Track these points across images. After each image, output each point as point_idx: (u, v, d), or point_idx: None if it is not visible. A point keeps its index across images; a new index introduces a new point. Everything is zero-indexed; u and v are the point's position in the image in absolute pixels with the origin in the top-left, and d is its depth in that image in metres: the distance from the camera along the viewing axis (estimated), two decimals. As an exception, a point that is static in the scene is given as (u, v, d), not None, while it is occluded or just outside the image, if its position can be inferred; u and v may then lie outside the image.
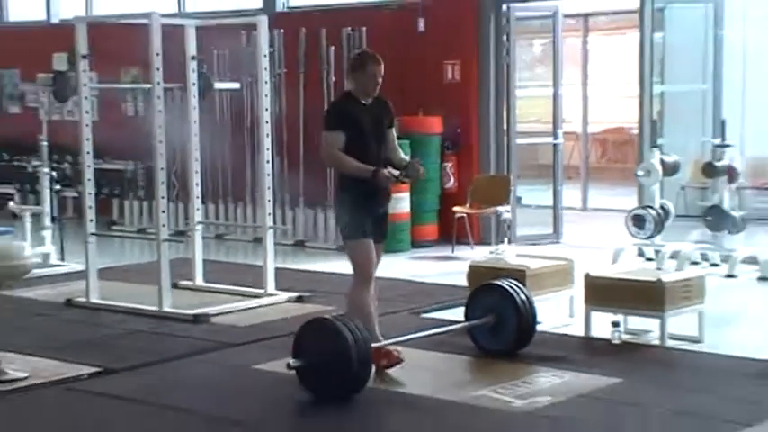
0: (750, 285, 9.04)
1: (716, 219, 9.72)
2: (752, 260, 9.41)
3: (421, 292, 8.76)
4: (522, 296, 6.68)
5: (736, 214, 9.80)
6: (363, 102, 6.37)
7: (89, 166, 8.53)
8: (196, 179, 8.89)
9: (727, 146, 9.86)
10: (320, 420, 5.65)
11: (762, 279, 9.16)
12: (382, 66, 6.34)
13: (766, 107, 12.03)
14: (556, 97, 11.50)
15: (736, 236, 9.78)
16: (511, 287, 6.72)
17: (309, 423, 5.70)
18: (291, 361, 5.87)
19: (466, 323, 6.79)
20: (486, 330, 6.69)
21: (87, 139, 8.45)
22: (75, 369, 6.57)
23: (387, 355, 6.32)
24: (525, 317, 6.63)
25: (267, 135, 8.57)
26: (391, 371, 6.30)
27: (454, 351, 6.72)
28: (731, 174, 9.90)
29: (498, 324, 6.65)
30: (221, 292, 8.63)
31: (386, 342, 6.33)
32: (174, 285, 8.39)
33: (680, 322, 7.08)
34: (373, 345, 6.08)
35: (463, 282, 7.65)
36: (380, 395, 5.98)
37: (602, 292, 7.17)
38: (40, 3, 14.80)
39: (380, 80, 6.35)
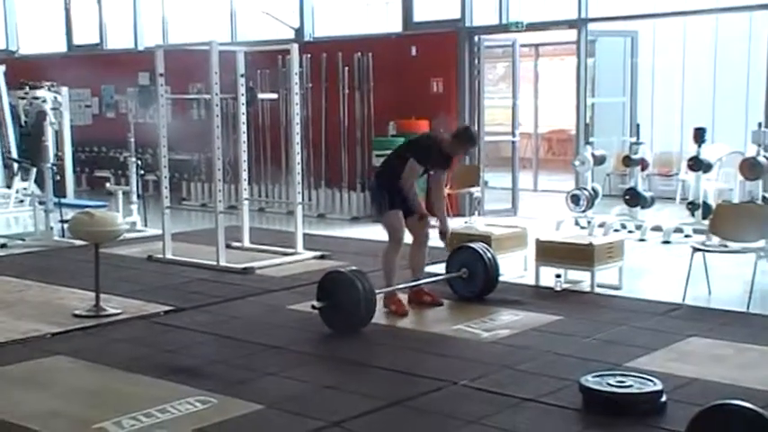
0: (656, 247, 9.00)
1: (632, 197, 9.68)
2: (658, 228, 9.37)
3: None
4: (489, 255, 6.64)
5: (646, 194, 9.77)
6: (446, 151, 6.29)
7: (165, 157, 8.47)
8: (244, 166, 8.82)
9: (641, 143, 9.84)
10: (336, 346, 5.63)
11: (665, 242, 9.11)
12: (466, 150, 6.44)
13: (669, 115, 12.01)
14: (514, 106, 11.39)
15: (646, 210, 9.74)
16: (480, 248, 6.68)
17: (328, 348, 5.66)
18: (315, 303, 5.85)
19: (446, 275, 6.75)
20: (462, 280, 6.66)
21: (163, 137, 8.39)
22: (155, 307, 6.56)
23: (398, 305, 6.26)
24: (491, 270, 6.60)
25: (297, 133, 8.50)
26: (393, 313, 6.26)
27: (438, 296, 6.65)
28: (643, 164, 9.89)
29: (471, 276, 6.62)
30: (263, 251, 8.57)
31: (390, 288, 6.29)
32: (228, 246, 8.32)
33: (605, 274, 7.07)
34: (385, 290, 6.11)
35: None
36: (382, 329, 5.95)
37: (548, 252, 7.14)
38: (130, 35, 14.70)
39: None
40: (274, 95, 10.82)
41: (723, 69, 11.67)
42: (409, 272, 6.55)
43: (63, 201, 9.82)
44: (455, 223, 9.72)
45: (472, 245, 6.74)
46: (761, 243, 6.73)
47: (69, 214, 8.59)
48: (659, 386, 4.35)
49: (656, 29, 12.03)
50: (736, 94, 11.27)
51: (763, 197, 8.64)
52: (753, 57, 10.76)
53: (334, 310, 5.77)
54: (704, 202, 9.23)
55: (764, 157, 8.66)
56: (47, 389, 4.87)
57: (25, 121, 10.59)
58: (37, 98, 10.00)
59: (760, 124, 8.88)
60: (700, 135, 9.21)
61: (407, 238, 6.44)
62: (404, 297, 6.43)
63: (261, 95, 10.22)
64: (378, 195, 6.38)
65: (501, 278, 6.73)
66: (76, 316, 6.27)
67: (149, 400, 4.54)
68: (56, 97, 10.41)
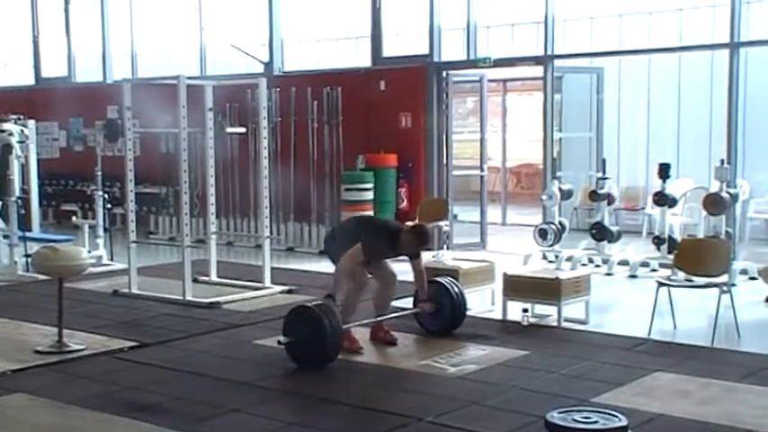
0: (623, 281, 9.06)
1: (599, 232, 9.75)
2: (624, 262, 9.44)
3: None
4: (456, 289, 6.64)
5: (613, 228, 9.84)
6: (400, 247, 6.39)
7: (132, 190, 8.40)
8: (212, 200, 8.76)
9: (607, 178, 9.92)
10: (302, 382, 5.58)
11: (631, 276, 9.18)
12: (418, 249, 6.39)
13: (635, 150, 12.17)
14: (482, 140, 11.46)
15: (613, 244, 9.81)
16: (448, 282, 6.68)
17: (294, 384, 5.60)
18: (282, 338, 5.80)
19: (414, 309, 6.72)
20: (429, 315, 6.64)
21: (130, 170, 8.32)
22: (119, 343, 6.48)
23: (351, 341, 6.18)
24: (458, 305, 6.59)
25: (265, 167, 8.51)
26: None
27: (404, 330, 6.64)
28: (610, 198, 9.97)
29: (438, 310, 6.59)
30: (230, 285, 8.51)
31: (353, 324, 6.24)
32: (195, 280, 8.25)
33: (572, 309, 7.09)
34: (344, 326, 6.00)
35: (412, 278, 7.57)
36: (348, 364, 5.90)
37: (516, 287, 7.15)
38: (98, 69, 14.66)
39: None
40: (243, 129, 10.80)
41: (686, 106, 11.87)
42: (370, 305, 6.51)
43: (28, 234, 9.70)
44: (423, 257, 9.75)
45: (440, 279, 6.73)
46: (724, 278, 6.80)
47: (34, 248, 8.50)
48: (624, 422, 4.34)
49: (621, 66, 12.22)
50: (699, 131, 11.46)
51: (726, 232, 8.75)
52: (715, 94, 10.94)
53: (300, 346, 5.73)
54: (670, 237, 9.32)
55: (727, 192, 8.79)
56: (4, 429, 4.76)
57: (-10, 154, 10.45)
58: (3, 131, 9.88)
59: (722, 161, 9.02)
60: (664, 170, 9.31)
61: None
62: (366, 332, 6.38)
63: (229, 129, 10.20)
64: (330, 241, 6.52)
65: (468, 312, 6.73)
66: (38, 352, 6.16)
67: (110, 439, 4.46)
68: (22, 130, 10.29)
